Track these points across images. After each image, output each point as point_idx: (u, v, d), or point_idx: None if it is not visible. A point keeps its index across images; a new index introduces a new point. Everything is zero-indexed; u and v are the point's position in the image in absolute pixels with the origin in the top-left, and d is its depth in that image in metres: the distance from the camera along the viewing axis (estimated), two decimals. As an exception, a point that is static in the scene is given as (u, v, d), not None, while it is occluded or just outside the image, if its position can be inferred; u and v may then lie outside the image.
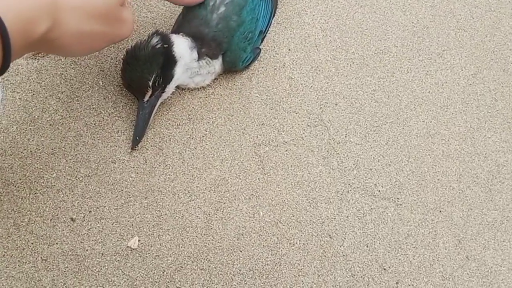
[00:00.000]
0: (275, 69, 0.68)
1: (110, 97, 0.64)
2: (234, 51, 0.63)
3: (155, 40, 0.57)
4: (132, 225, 0.59)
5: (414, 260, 0.63)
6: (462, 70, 0.73)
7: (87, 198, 0.59)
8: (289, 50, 0.70)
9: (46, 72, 0.63)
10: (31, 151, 0.60)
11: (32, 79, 0.62)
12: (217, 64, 0.63)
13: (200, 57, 0.61)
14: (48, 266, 0.57)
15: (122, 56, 0.59)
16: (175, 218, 0.60)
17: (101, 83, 0.64)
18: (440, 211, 0.65)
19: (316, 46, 0.71)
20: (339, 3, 0.73)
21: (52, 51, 0.48)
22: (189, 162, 0.62)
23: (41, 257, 0.57)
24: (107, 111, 0.63)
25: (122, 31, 0.52)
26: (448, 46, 0.74)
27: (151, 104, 0.60)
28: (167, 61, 0.58)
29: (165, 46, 0.57)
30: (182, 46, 0.59)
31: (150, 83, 0.57)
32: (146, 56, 0.56)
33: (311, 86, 0.68)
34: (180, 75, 0.60)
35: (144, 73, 0.57)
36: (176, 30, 0.62)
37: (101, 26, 0.48)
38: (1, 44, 0.38)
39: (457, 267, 0.63)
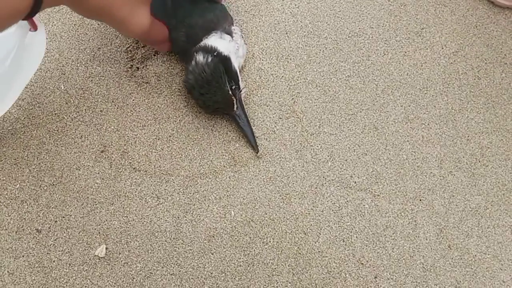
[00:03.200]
0: (244, 60, 0.63)
1: (72, 101, 0.59)
2: None
3: (201, 56, 0.55)
4: (99, 233, 0.56)
5: (393, 252, 0.58)
6: (442, 48, 0.66)
7: (52, 208, 0.56)
8: (258, 39, 0.64)
9: (5, 79, 0.59)
10: (-7, 162, 0.56)
11: (-9, 87, 0.58)
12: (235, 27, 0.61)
13: (230, 34, 0.59)
14: (15, 280, 0.54)
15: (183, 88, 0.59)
16: (143, 223, 0.56)
17: (62, 87, 0.60)
18: (420, 200, 0.60)
19: (286, 33, 0.65)
20: (309, -15, 0.67)
21: (70, 6, 0.47)
22: (156, 164, 0.58)
23: (7, 271, 0.54)
24: (69, 116, 0.59)
25: None
26: (427, 23, 0.67)
27: (240, 108, 0.58)
28: (224, 63, 0.56)
29: (214, 54, 0.55)
30: (218, 42, 0.56)
31: (231, 92, 0.55)
32: (212, 75, 0.54)
33: (282, 76, 0.63)
34: (236, 64, 0.58)
35: (223, 90, 0.55)
36: (194, 34, 0.58)
37: None
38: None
39: (439, 257, 0.58)
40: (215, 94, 0.55)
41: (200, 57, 0.55)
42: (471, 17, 0.68)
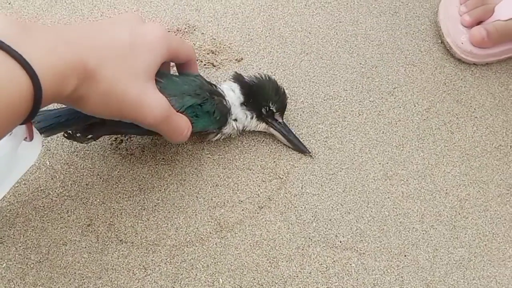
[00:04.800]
0: (225, 127, 0.64)
1: (58, 177, 0.60)
2: None
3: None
4: (87, 309, 0.55)
5: (383, 310, 0.58)
6: (415, 106, 0.69)
7: (39, 286, 0.55)
8: (238, 106, 0.66)
9: (-9, 159, 0.59)
10: (-21, 242, 0.56)
11: (-23, 167, 0.59)
12: None
13: None
14: None
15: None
16: (131, 296, 0.56)
17: (48, 163, 0.60)
18: (405, 256, 0.61)
19: (264, 99, 0.67)
20: (284, 53, 0.70)
21: (74, 105, 0.46)
22: (142, 235, 0.58)
23: None
24: (55, 191, 0.59)
25: (147, 114, 0.49)
26: (398, 83, 0.70)
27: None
28: None
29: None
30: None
31: None
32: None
33: (263, 141, 0.65)
34: None
35: None
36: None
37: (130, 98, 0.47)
38: (32, 102, 0.38)
39: (428, 313, 0.58)
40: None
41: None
42: (440, 74, 0.71)
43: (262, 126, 0.63)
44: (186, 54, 0.56)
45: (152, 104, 0.48)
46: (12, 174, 0.48)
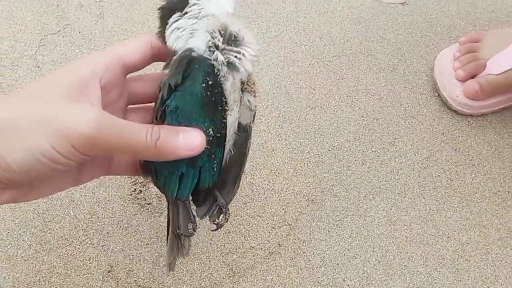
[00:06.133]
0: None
1: (81, 226, 0.64)
2: None
3: None
4: None
5: None
6: (415, 155, 0.73)
7: (62, 330, 0.58)
8: (248, 157, 0.70)
9: (19, 209, 0.64)
10: (6, 288, 0.60)
11: (7, 217, 0.63)
12: None
13: None
14: None
15: None
16: None
17: (72, 213, 0.65)
18: (410, 298, 0.63)
19: (273, 150, 0.71)
20: (291, 108, 0.75)
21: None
22: (159, 280, 0.62)
23: None
24: (78, 239, 0.63)
25: None
26: (399, 134, 0.75)
27: None
28: None
29: None
30: None
31: None
32: None
33: (272, 189, 0.69)
34: None
35: None
36: None
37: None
38: None
39: None
40: None
41: None
42: (438, 125, 0.76)
43: None
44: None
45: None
46: None
